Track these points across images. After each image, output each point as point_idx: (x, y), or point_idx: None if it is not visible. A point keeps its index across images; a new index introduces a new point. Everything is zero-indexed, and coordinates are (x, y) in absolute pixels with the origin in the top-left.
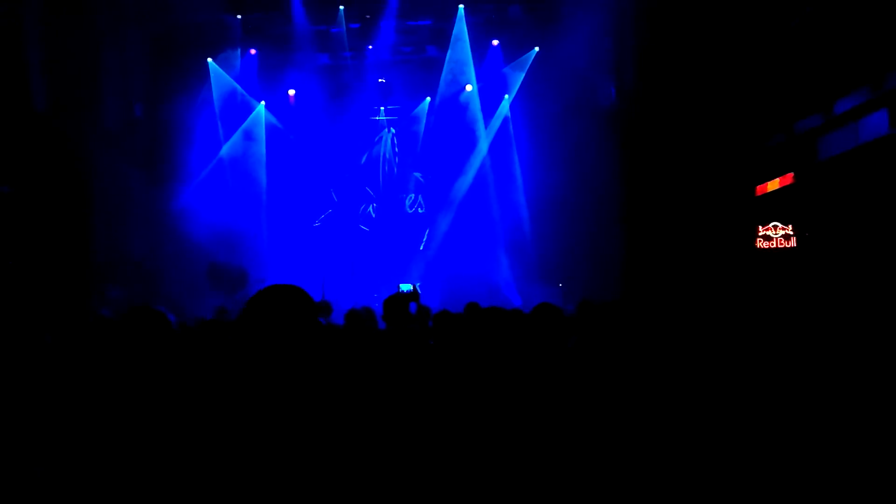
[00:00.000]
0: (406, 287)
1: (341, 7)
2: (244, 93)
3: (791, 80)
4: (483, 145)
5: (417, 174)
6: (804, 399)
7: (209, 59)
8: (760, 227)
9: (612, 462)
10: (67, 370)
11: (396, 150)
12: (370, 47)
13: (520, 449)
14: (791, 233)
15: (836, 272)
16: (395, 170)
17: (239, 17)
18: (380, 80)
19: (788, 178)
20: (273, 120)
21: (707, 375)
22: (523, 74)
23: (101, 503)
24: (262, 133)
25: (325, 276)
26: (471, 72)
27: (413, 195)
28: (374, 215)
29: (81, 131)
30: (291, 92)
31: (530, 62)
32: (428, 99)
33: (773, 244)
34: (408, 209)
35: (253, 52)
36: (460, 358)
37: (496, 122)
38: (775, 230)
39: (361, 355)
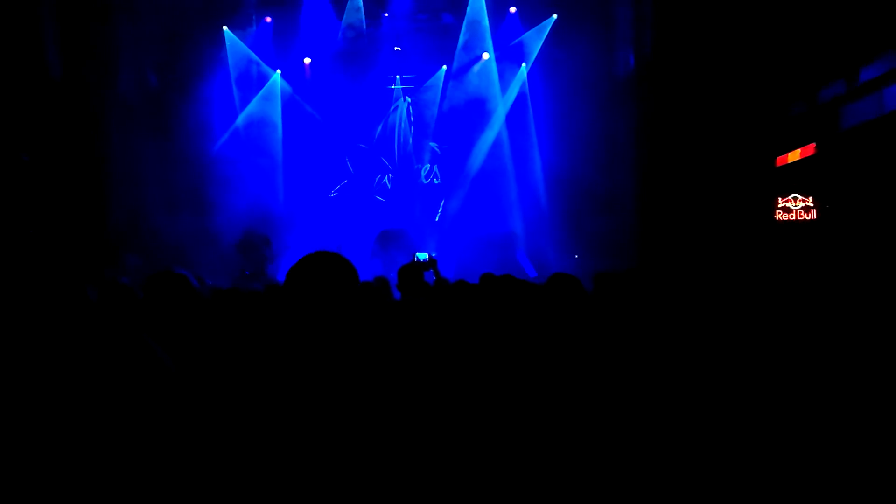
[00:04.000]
0: (422, 256)
1: None
2: (259, 61)
3: (813, 47)
4: (500, 114)
5: (433, 144)
6: (821, 378)
7: (224, 28)
8: (780, 198)
9: (633, 443)
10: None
11: (412, 119)
12: (386, 15)
13: (535, 427)
14: (811, 205)
15: (857, 245)
16: (411, 140)
17: None
18: (395, 49)
19: (810, 148)
20: (288, 88)
21: (724, 350)
22: (541, 42)
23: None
24: (277, 102)
25: (341, 245)
26: (488, 40)
27: (429, 165)
28: (389, 186)
29: (97, 99)
30: (307, 60)
31: (548, 30)
32: (444, 67)
33: (792, 216)
34: (423, 180)
35: (268, 20)
36: (475, 329)
37: (513, 90)
38: (795, 202)
39: (374, 326)
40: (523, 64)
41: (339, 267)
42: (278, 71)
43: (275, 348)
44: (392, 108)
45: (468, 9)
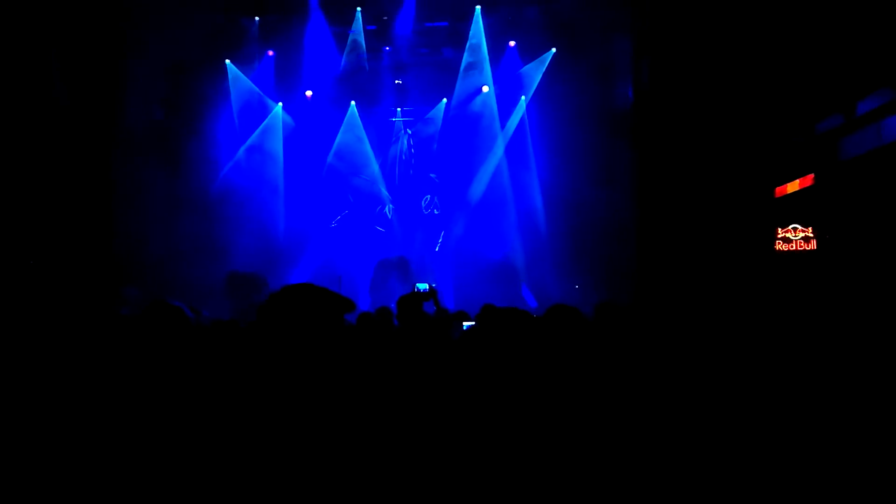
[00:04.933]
0: (423, 286)
1: (358, 8)
2: (262, 94)
3: (812, 81)
4: (499, 147)
5: (433, 175)
6: (822, 405)
7: (227, 61)
8: (780, 228)
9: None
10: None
11: (413, 151)
12: (387, 49)
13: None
14: (811, 235)
15: (857, 276)
16: (412, 171)
17: (257, 19)
18: (396, 82)
19: (809, 179)
20: (290, 121)
21: (724, 380)
22: (540, 75)
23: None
24: (279, 134)
25: (342, 276)
26: (487, 73)
27: (429, 196)
28: (389, 216)
29: (102, 130)
30: (308, 93)
31: (547, 63)
32: (444, 100)
33: (792, 246)
34: (423, 210)
35: (270, 53)
36: (475, 358)
37: (513, 123)
38: (795, 232)
39: (372, 355)
40: (522, 97)
41: (315, 298)
42: (280, 104)
43: (251, 377)
44: (393, 139)
45: (468, 43)
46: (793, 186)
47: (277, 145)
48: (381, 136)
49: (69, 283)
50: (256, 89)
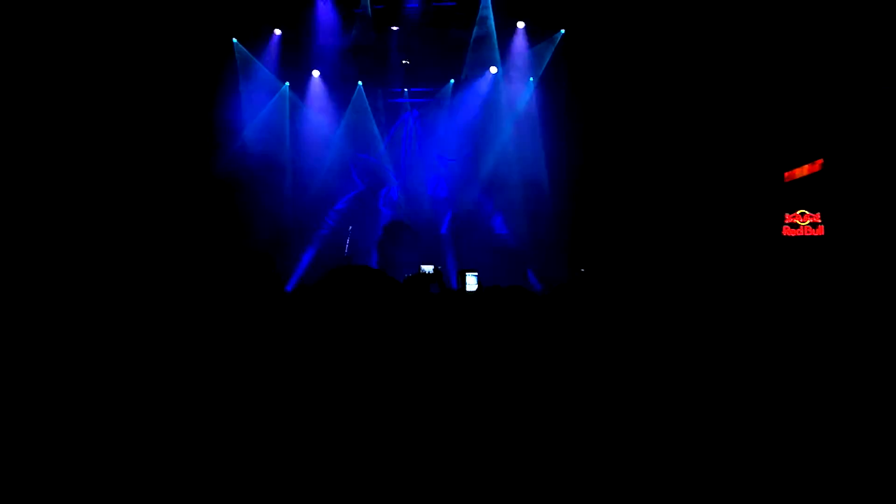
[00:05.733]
0: (428, 268)
1: None
2: (268, 73)
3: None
4: (507, 128)
5: (440, 157)
6: (826, 395)
7: (234, 39)
8: (787, 214)
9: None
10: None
11: (419, 132)
12: (394, 29)
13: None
14: (819, 221)
15: (865, 264)
16: (418, 152)
17: None
18: (404, 62)
19: (817, 164)
20: (297, 101)
21: (728, 367)
22: (549, 56)
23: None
24: (286, 114)
25: (350, 256)
26: (496, 54)
27: (435, 178)
28: (396, 198)
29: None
30: (315, 73)
31: (556, 44)
32: (452, 81)
33: (799, 232)
34: (430, 192)
35: (277, 32)
36: (478, 338)
37: (521, 104)
38: (802, 218)
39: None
40: (531, 78)
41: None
42: (287, 83)
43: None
44: (399, 120)
45: (476, 23)
46: (801, 172)
47: (284, 125)
48: (388, 117)
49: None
50: (264, 68)
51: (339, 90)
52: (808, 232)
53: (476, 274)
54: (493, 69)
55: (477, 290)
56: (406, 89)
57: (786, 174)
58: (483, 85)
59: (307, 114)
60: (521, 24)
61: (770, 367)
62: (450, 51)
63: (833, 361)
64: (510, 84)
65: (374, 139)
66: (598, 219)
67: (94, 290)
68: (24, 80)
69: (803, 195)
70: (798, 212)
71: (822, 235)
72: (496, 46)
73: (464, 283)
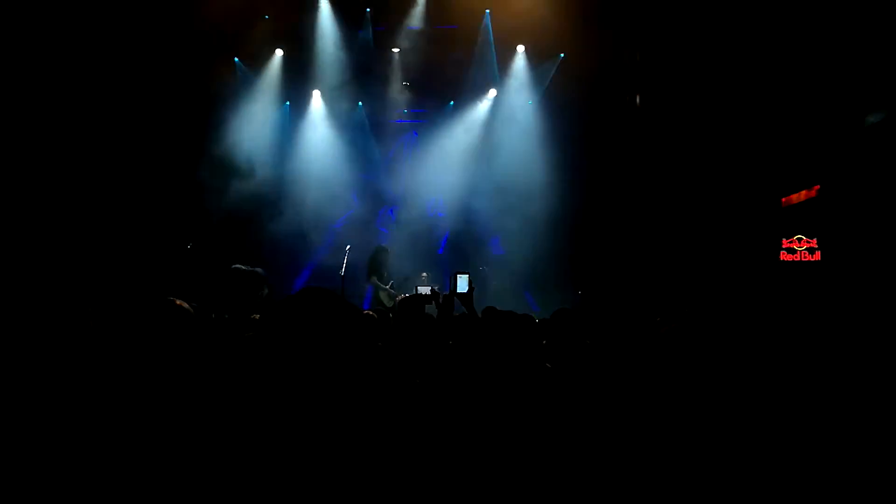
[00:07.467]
0: (425, 290)
1: (367, 9)
2: (269, 92)
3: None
4: (506, 150)
5: (438, 178)
6: (823, 416)
7: (236, 59)
8: (785, 239)
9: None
10: None
11: (418, 153)
12: (395, 50)
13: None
14: (815, 247)
15: (861, 288)
16: (417, 173)
17: (266, 17)
18: (404, 83)
19: (814, 190)
20: (297, 120)
21: (726, 389)
22: (548, 80)
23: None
24: (286, 133)
25: (345, 276)
26: (495, 76)
27: (433, 199)
28: (393, 218)
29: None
30: (316, 93)
31: (555, 68)
32: (452, 102)
33: (797, 257)
34: (427, 213)
35: (279, 52)
36: (473, 359)
37: (519, 127)
38: (800, 243)
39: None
40: (529, 101)
41: (329, 305)
42: (287, 102)
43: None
44: (399, 141)
45: (476, 46)
46: (798, 197)
47: (284, 144)
48: (388, 137)
49: None
50: (264, 88)
51: (339, 110)
52: (805, 257)
53: (467, 275)
54: (493, 91)
55: (468, 291)
56: (406, 110)
57: (783, 200)
58: (483, 106)
59: (307, 133)
60: (520, 48)
61: (767, 390)
62: (450, 72)
63: (830, 385)
64: (510, 106)
65: (373, 159)
66: (597, 241)
67: (67, 294)
68: (24, 79)
69: (800, 221)
70: (795, 237)
71: (818, 261)
72: (496, 68)
73: (455, 286)
